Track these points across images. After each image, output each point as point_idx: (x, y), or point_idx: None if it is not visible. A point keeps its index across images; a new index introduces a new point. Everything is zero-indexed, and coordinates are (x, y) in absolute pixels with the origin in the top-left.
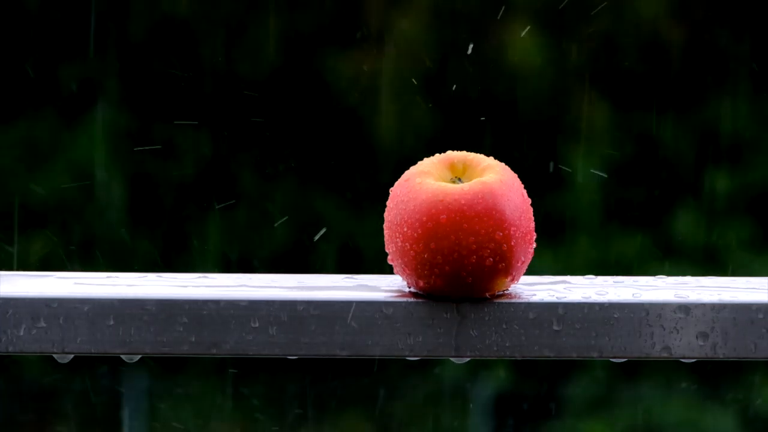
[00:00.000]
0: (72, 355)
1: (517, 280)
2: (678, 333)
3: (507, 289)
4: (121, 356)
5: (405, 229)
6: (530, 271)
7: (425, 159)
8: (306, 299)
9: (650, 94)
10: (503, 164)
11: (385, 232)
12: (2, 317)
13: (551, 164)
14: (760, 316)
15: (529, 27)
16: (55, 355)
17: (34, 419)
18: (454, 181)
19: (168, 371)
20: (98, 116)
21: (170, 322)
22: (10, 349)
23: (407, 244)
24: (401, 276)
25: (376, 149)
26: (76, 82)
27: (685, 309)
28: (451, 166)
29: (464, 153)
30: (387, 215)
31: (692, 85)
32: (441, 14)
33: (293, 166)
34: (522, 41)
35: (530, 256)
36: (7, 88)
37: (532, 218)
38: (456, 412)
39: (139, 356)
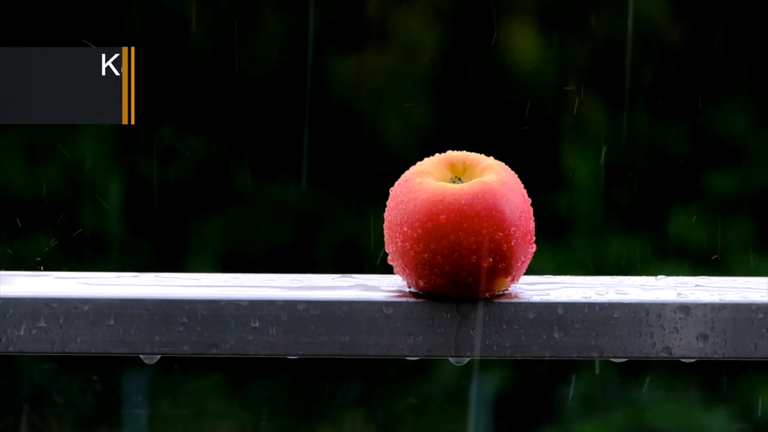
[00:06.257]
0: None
1: (517, 280)
2: (678, 333)
3: (507, 289)
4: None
5: (405, 229)
6: (530, 271)
7: (425, 159)
8: (306, 299)
9: (650, 93)
10: (503, 164)
11: (385, 232)
12: (2, 317)
13: (551, 164)
14: (760, 316)
15: (529, 26)
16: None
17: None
18: (454, 181)
19: (168, 371)
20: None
21: (170, 322)
22: (10, 349)
23: (407, 244)
24: (401, 276)
25: (376, 149)
26: None
27: (685, 309)
28: (451, 166)
29: (464, 153)
30: (387, 215)
31: (692, 84)
32: (442, 13)
33: (293, 165)
34: (523, 41)
35: (530, 256)
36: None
37: (532, 218)
38: (456, 412)
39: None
